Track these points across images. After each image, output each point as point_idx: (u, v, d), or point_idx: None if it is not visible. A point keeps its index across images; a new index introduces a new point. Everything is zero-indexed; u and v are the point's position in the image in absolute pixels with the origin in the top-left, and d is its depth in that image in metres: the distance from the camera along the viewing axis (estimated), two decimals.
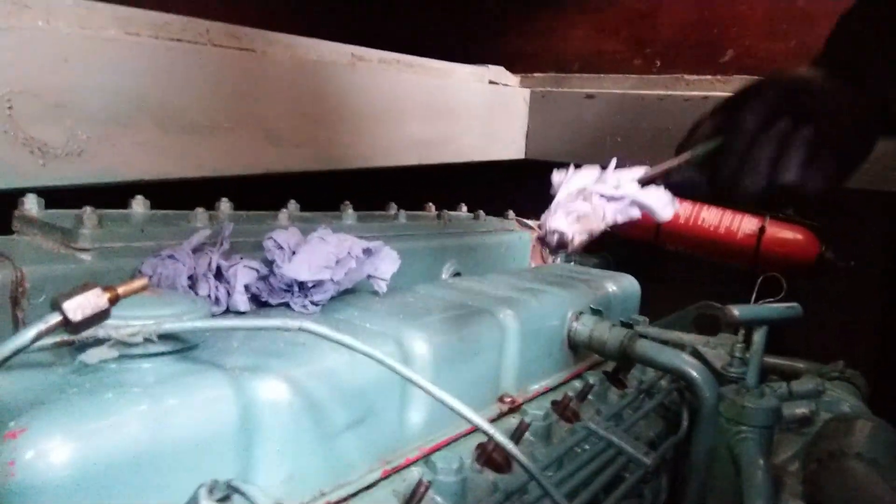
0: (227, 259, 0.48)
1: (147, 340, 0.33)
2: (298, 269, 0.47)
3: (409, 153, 0.87)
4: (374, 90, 0.81)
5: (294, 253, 0.49)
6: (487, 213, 0.98)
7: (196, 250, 0.47)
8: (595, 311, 0.73)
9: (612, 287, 0.83)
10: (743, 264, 0.93)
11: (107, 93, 0.53)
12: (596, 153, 1.04)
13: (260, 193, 0.70)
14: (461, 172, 1.00)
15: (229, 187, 0.66)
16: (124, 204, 0.56)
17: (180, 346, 0.36)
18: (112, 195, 0.58)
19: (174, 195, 0.61)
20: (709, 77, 0.97)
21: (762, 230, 0.92)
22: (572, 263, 1.01)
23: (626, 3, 1.06)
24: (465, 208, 0.95)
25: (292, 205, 0.68)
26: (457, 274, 0.80)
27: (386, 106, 0.83)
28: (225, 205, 0.61)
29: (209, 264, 0.46)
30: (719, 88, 0.96)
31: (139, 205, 0.55)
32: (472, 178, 1.05)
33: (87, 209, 0.45)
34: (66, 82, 0.50)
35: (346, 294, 0.56)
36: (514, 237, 0.94)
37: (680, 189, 0.50)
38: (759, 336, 0.54)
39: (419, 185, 0.97)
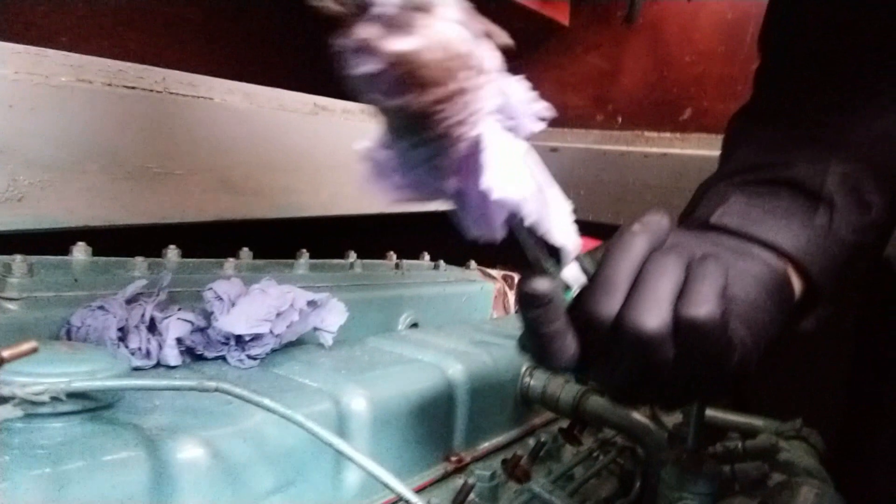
0: (163, 310, 0.47)
1: (55, 399, 0.32)
2: (235, 321, 0.46)
3: (371, 202, 0.87)
4: (337, 139, 0.82)
5: (234, 305, 0.48)
6: (451, 263, 0.98)
7: (131, 301, 0.46)
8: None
9: None
10: None
11: (53, 139, 0.52)
12: None
13: (214, 239, 0.69)
14: (425, 221, 1.01)
15: (183, 233, 0.65)
16: (69, 251, 0.55)
17: (94, 404, 0.34)
18: (58, 241, 0.57)
19: (123, 241, 0.60)
20: (668, 134, 1.00)
21: None
22: None
23: (590, 62, 1.09)
24: (427, 257, 0.95)
25: (245, 252, 0.67)
26: (414, 325, 0.79)
27: (348, 155, 0.83)
28: (172, 252, 0.60)
29: (142, 316, 0.45)
30: (678, 146, 0.98)
31: (80, 252, 0.54)
32: (436, 226, 1.05)
33: (17, 257, 0.44)
34: (9, 128, 0.49)
35: (290, 347, 0.54)
36: (475, 287, 0.94)
37: None
38: (695, 408, 0.53)
39: (381, 232, 0.97)
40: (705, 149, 0.91)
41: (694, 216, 0.44)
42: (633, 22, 0.95)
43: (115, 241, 0.59)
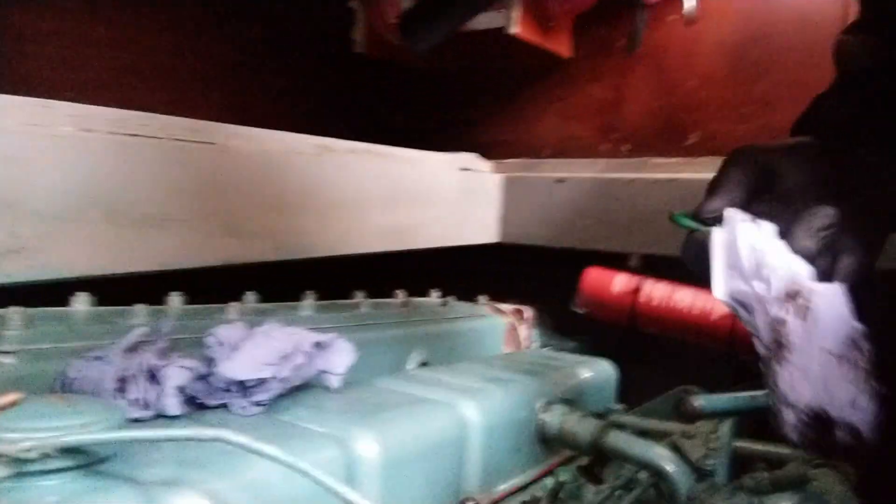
0: (163, 359, 0.46)
1: (45, 456, 0.30)
2: (237, 367, 0.45)
3: (378, 240, 0.87)
4: (342, 179, 0.82)
5: (236, 349, 0.46)
6: (461, 298, 0.97)
7: (131, 350, 0.45)
8: (566, 401, 0.70)
9: (586, 373, 0.80)
10: (719, 347, 0.91)
11: (53, 188, 0.52)
12: (569, 235, 1.04)
13: (220, 284, 0.68)
14: (433, 257, 1.00)
15: (187, 279, 0.65)
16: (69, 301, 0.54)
17: (88, 459, 0.33)
18: (60, 292, 0.56)
19: (126, 290, 0.59)
20: (675, 159, 0.99)
21: None
22: (547, 349, 0.99)
23: (593, 92, 1.09)
24: (436, 294, 0.94)
25: (250, 296, 0.66)
26: (424, 364, 0.77)
27: (353, 194, 0.83)
28: (175, 299, 0.59)
29: (141, 365, 0.44)
30: (686, 170, 0.97)
31: (81, 302, 0.53)
32: (445, 262, 1.04)
33: (13, 308, 0.43)
34: (9, 179, 0.49)
35: (296, 391, 0.53)
36: (485, 323, 0.92)
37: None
38: (726, 427, 0.51)
39: (389, 271, 0.96)
40: (714, 171, 0.90)
41: None
42: (635, 51, 0.95)
43: (117, 290, 0.58)
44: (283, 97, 1.27)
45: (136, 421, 0.43)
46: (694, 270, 0.46)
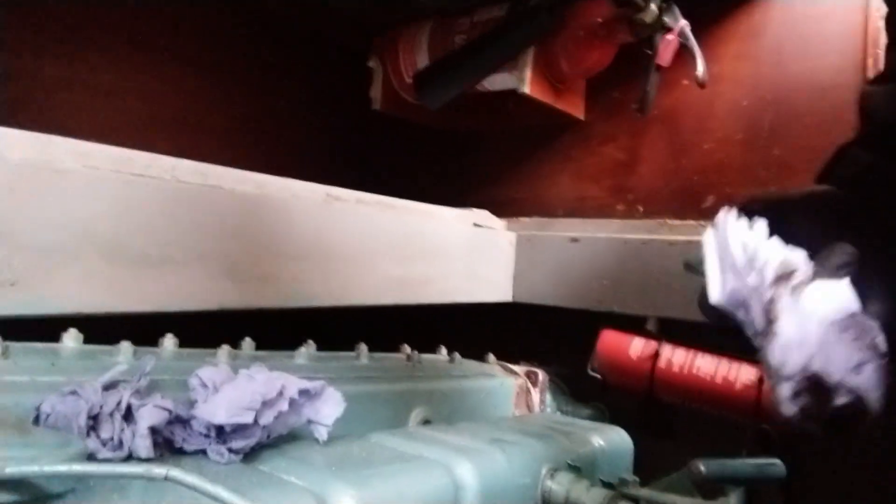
0: (142, 398, 0.44)
1: None
2: (215, 410, 0.42)
3: (385, 293, 0.85)
4: (350, 229, 0.81)
5: (216, 392, 0.44)
6: (471, 357, 0.94)
7: (109, 387, 0.44)
8: (573, 468, 0.66)
9: (598, 441, 0.76)
10: (743, 418, 0.85)
11: (52, 223, 0.52)
12: (584, 296, 1.01)
13: (218, 329, 0.67)
14: (442, 314, 0.97)
15: (185, 322, 0.63)
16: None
17: (37, 494, 0.31)
18: (53, 327, 0.55)
19: (120, 329, 0.58)
20: (692, 222, 0.97)
21: (762, 380, 0.86)
22: (559, 413, 0.95)
23: (607, 153, 1.09)
24: (444, 351, 0.91)
25: (247, 342, 0.65)
26: (426, 423, 0.74)
27: (361, 245, 0.82)
28: (169, 341, 0.58)
29: (118, 403, 0.42)
30: (702, 233, 0.94)
31: (70, 339, 0.52)
32: (455, 319, 1.02)
33: None
34: (8, 211, 0.49)
35: (282, 441, 0.50)
36: (494, 383, 0.88)
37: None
38: (734, 499, 0.47)
39: (395, 325, 0.94)
40: None
41: None
42: (647, 112, 0.95)
43: (111, 329, 0.57)
44: (299, 152, 1.30)
45: (106, 461, 0.40)
46: (711, 322, 0.44)
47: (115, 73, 1.06)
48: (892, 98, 0.51)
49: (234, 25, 1.21)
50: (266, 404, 0.45)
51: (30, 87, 0.97)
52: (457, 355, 0.86)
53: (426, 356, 0.85)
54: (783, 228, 0.44)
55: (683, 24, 0.90)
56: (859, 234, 0.44)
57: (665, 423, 1.04)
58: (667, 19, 0.88)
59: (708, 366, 0.92)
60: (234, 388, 0.44)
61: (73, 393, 0.41)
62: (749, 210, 0.45)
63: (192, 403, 0.45)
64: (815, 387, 0.35)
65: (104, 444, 0.41)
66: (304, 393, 0.48)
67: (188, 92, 1.15)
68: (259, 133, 1.26)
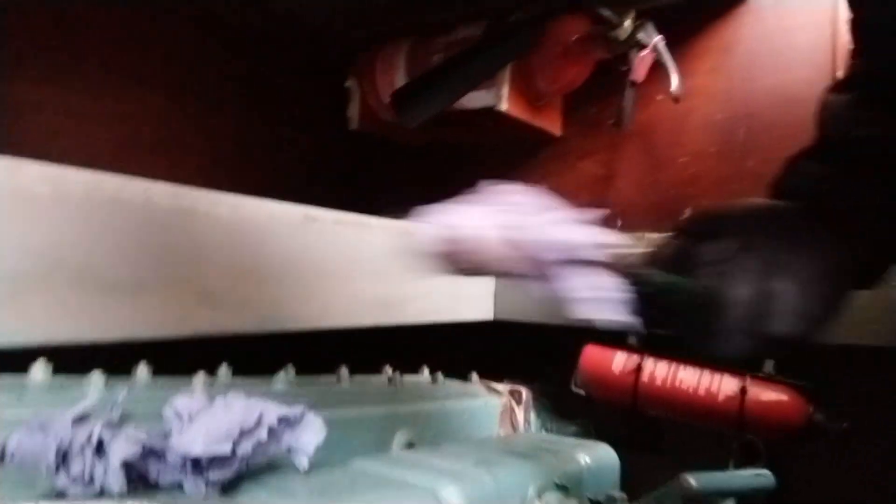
0: (114, 431, 0.42)
1: None
2: (191, 441, 0.41)
3: (365, 313, 0.84)
4: (328, 249, 0.80)
5: (192, 422, 0.43)
6: (454, 377, 0.92)
7: (79, 420, 0.42)
8: (560, 487, 0.65)
9: (584, 458, 0.75)
10: (727, 429, 0.85)
11: (20, 249, 0.50)
12: (565, 311, 1.01)
13: (194, 355, 0.65)
14: (423, 333, 0.96)
15: (160, 349, 0.62)
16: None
17: None
18: (21, 359, 0.53)
19: (91, 359, 0.56)
20: (670, 234, 0.97)
21: (744, 391, 0.86)
22: (544, 431, 0.94)
23: (585, 168, 1.10)
24: (427, 371, 0.90)
25: (223, 369, 0.63)
26: (410, 446, 0.72)
27: (339, 265, 0.81)
28: (142, 369, 0.56)
29: (89, 437, 0.40)
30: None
31: (39, 370, 0.50)
32: (436, 338, 1.01)
33: None
34: None
35: (262, 471, 0.49)
36: (478, 403, 0.87)
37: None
38: None
39: (375, 346, 0.93)
40: None
41: None
42: (624, 128, 0.96)
43: (82, 359, 0.55)
44: (277, 173, 1.28)
45: (76, 499, 0.39)
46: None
47: (87, 96, 1.04)
48: (850, 108, 0.51)
49: (208, 47, 1.20)
50: (244, 433, 0.43)
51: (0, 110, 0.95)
52: (439, 376, 0.85)
53: (408, 377, 0.84)
54: (727, 242, 0.44)
55: (658, 39, 0.91)
56: (808, 246, 0.44)
57: (651, 437, 1.04)
58: (641, 36, 0.90)
59: (690, 378, 0.92)
60: (210, 417, 0.42)
61: (41, 428, 0.39)
62: (694, 226, 0.46)
63: (167, 435, 0.44)
64: None
65: (74, 480, 0.39)
66: (283, 420, 0.47)
67: (162, 114, 1.14)
68: (236, 155, 1.25)
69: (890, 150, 0.47)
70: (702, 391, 0.91)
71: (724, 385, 0.89)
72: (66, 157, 0.87)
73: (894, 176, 0.46)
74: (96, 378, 0.48)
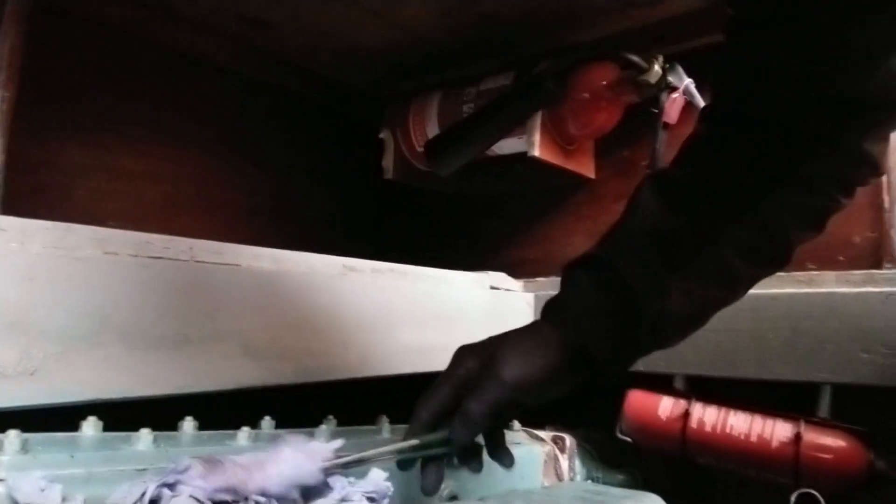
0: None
1: None
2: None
3: (403, 362, 0.84)
4: (366, 299, 0.81)
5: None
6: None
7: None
8: None
9: None
10: (782, 478, 0.81)
11: (71, 310, 0.52)
12: None
13: (238, 407, 0.65)
14: None
15: (204, 402, 0.62)
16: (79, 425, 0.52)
17: None
18: (71, 415, 0.54)
19: (139, 413, 0.57)
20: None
21: (798, 437, 0.82)
22: (590, 482, 0.91)
23: (619, 210, 1.09)
24: None
25: (266, 421, 0.63)
26: (453, 498, 0.71)
27: (378, 314, 0.81)
28: (188, 424, 0.57)
29: (142, 496, 0.41)
30: None
31: (90, 427, 0.51)
32: None
33: (11, 433, 0.41)
34: (27, 300, 0.49)
35: None
36: (520, 451, 0.85)
37: None
38: None
39: (416, 394, 0.92)
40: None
41: None
42: (657, 169, 0.96)
43: (130, 414, 0.56)
44: (315, 225, 1.31)
45: None
46: None
47: (133, 157, 1.09)
48: (739, 64, 0.48)
49: (250, 109, 1.26)
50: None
51: (52, 173, 1.00)
52: None
53: None
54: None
55: (688, 82, 0.92)
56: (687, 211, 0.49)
57: (701, 487, 1.00)
58: (671, 78, 0.90)
59: (741, 424, 0.88)
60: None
61: None
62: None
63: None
64: None
65: None
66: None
67: (204, 172, 1.18)
68: (275, 208, 1.28)
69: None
70: (754, 437, 0.87)
71: (778, 430, 0.85)
72: (114, 216, 0.91)
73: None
74: (145, 434, 0.48)
